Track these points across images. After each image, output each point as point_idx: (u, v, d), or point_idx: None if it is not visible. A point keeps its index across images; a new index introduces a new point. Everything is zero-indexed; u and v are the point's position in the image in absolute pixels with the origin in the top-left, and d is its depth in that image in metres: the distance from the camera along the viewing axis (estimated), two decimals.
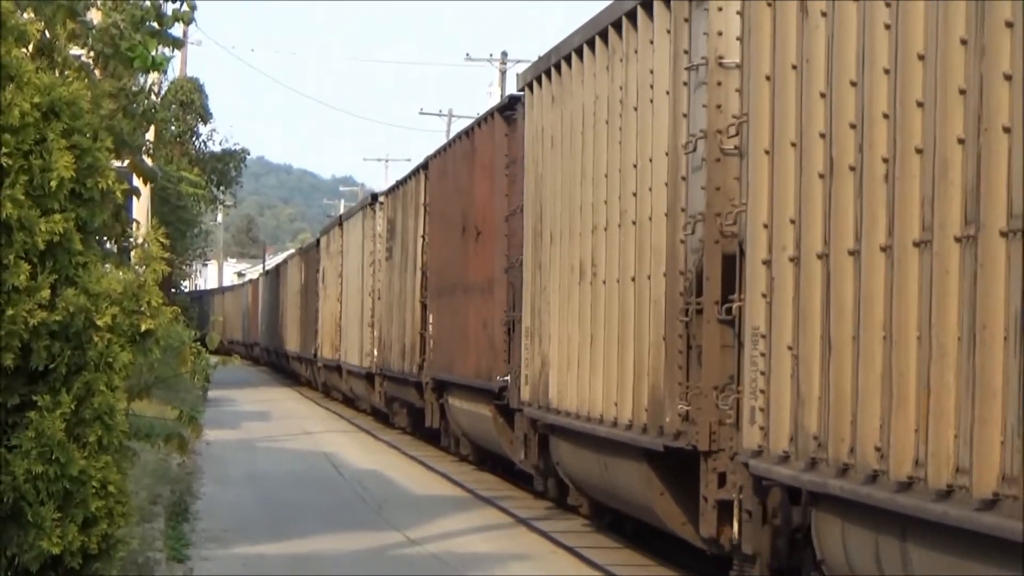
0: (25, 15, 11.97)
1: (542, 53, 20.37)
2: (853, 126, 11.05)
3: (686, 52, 15.01)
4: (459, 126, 52.48)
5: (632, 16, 16.36)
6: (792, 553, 13.16)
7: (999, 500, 8.97)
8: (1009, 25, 8.97)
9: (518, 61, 67.32)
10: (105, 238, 12.47)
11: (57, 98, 9.90)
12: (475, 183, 26.46)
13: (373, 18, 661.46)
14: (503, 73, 69.63)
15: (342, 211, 69.17)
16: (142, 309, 10.06)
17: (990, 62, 9.14)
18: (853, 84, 11.06)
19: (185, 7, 15.25)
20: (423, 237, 32.27)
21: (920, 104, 9.98)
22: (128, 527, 10.47)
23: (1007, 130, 8.93)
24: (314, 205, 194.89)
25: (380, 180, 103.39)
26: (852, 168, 11.05)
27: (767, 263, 12.56)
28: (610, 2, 17.13)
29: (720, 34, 14.39)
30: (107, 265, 10.95)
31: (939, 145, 9.69)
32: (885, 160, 10.49)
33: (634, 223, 16.30)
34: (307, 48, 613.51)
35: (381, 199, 39.09)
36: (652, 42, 15.82)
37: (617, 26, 16.89)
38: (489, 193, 25.10)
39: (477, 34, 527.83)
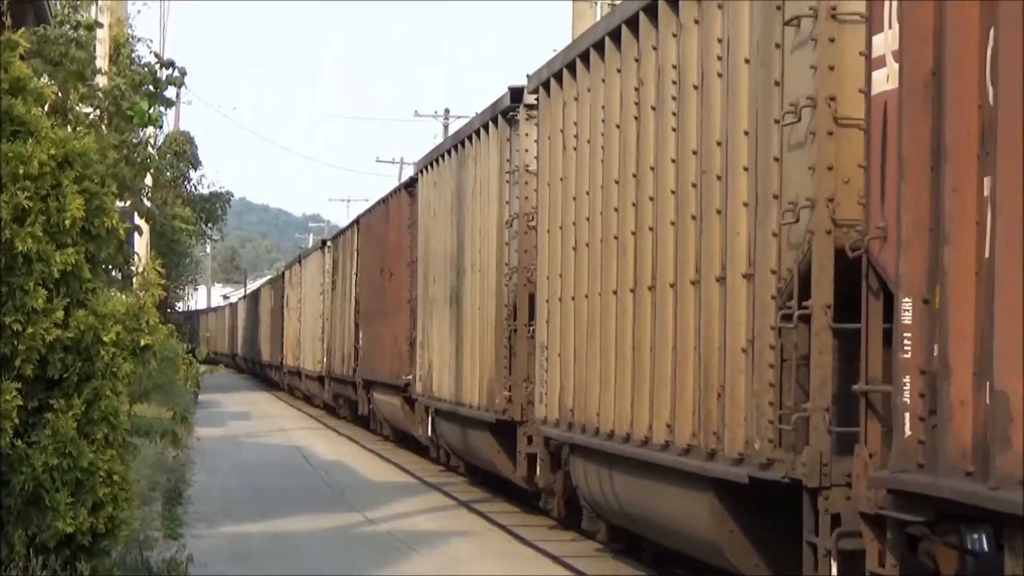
0: (42, 79, 11.66)
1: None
2: (588, 219, 14.47)
3: (508, 160, 18.37)
4: (409, 171, 51.65)
5: (477, 133, 19.85)
6: (575, 488, 16.56)
7: (648, 440, 12.62)
8: (673, 160, 12.87)
9: (458, 117, 65.94)
10: (111, 267, 12.00)
11: (70, 150, 9.71)
12: (389, 237, 28.55)
13: (336, 80, 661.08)
14: (445, 127, 68.13)
15: (311, 244, 66.06)
16: (142, 327, 9.84)
17: (641, 189, 13.08)
18: (587, 193, 14.50)
19: (176, 73, 15.01)
20: (356, 274, 33.50)
21: (616, 209, 13.61)
22: (130, 510, 10.20)
23: (633, 234, 12.86)
24: (288, 239, 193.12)
25: (343, 217, 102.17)
26: (587, 245, 14.48)
27: (547, 301, 15.97)
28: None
29: (527, 150, 17.66)
30: (112, 290, 10.61)
31: (621, 235, 13.44)
32: (601, 241, 14.02)
33: (480, 271, 19.56)
34: (282, 105, 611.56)
35: (329, 244, 39.79)
36: (489, 151, 19.22)
37: (469, 138, 20.40)
38: (398, 245, 27.33)
39: (424, 93, 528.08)
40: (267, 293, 61.71)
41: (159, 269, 10.32)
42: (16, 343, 9.40)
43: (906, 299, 8.23)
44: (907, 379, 8.19)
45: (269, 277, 77.32)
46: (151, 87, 14.85)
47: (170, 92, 15.14)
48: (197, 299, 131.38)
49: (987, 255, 7.46)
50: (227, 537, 16.40)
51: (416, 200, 25.47)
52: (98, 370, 9.62)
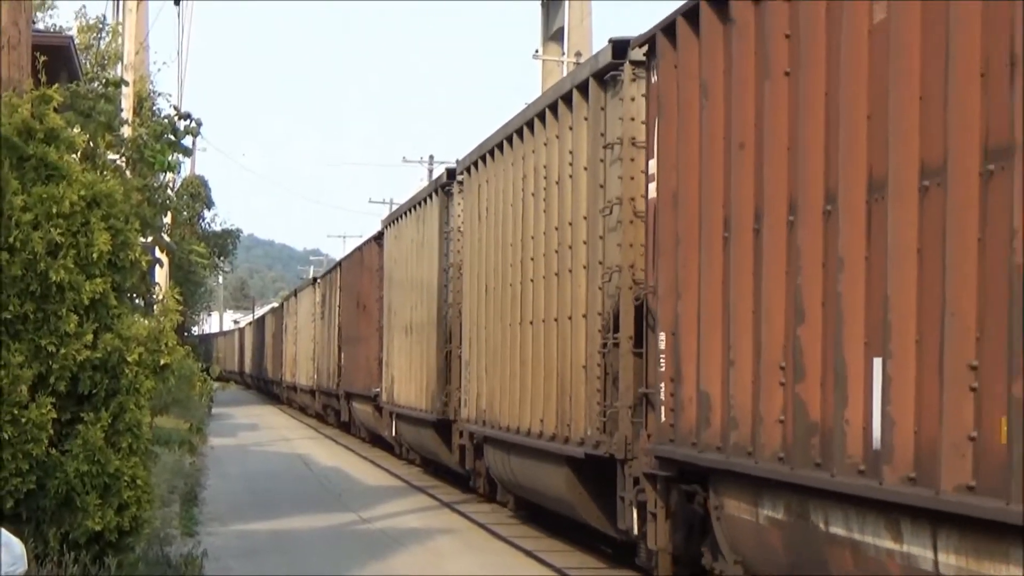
0: (74, 129, 11.52)
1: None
2: (495, 270, 17.36)
3: (445, 223, 21.31)
4: None
5: (424, 201, 22.79)
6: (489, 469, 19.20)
7: (529, 431, 15.67)
8: (534, 236, 16.05)
9: (441, 162, 64.68)
10: (134, 296, 11.46)
11: (98, 192, 9.62)
12: (363, 278, 30.96)
13: (334, 127, 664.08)
14: (430, 171, 67.73)
15: (311, 275, 65.15)
16: (162, 348, 9.80)
17: (525, 251, 16.21)
18: (494, 251, 17.43)
19: (192, 124, 14.97)
20: (339, 306, 35.47)
21: (512, 265, 16.65)
22: (152, 511, 10.14)
23: (520, 283, 15.99)
24: (291, 271, 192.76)
25: (340, 251, 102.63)
26: (494, 289, 17.45)
27: (469, 330, 18.85)
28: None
29: (459, 216, 20.64)
30: (136, 316, 10.49)
31: (514, 283, 16.53)
32: (502, 287, 17.10)
33: (425, 307, 22.40)
34: (285, 150, 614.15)
35: (319, 281, 41.67)
36: (432, 214, 22.06)
37: (417, 205, 23.32)
38: (369, 284, 29.83)
39: (412, 140, 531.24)
40: (270, 320, 62.78)
41: (177, 297, 10.33)
42: (51, 363, 9.41)
43: (662, 333, 11.43)
44: (662, 384, 11.38)
45: (275, 304, 77.37)
46: (171, 136, 14.81)
47: (187, 141, 15.06)
48: (210, 324, 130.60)
49: (701, 307, 10.67)
50: (237, 534, 16.50)
51: (383, 249, 28.01)
52: (123, 387, 9.59)
